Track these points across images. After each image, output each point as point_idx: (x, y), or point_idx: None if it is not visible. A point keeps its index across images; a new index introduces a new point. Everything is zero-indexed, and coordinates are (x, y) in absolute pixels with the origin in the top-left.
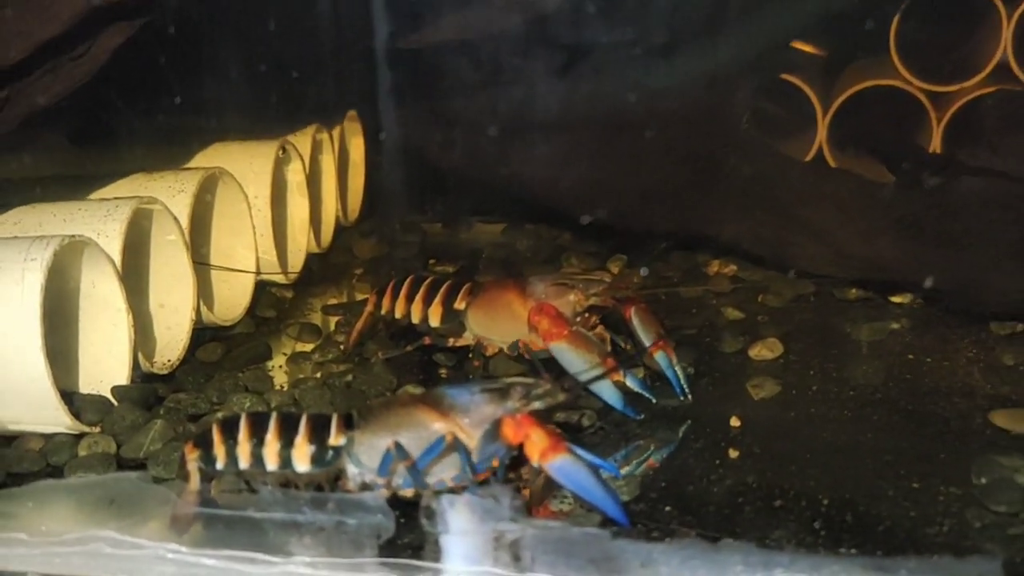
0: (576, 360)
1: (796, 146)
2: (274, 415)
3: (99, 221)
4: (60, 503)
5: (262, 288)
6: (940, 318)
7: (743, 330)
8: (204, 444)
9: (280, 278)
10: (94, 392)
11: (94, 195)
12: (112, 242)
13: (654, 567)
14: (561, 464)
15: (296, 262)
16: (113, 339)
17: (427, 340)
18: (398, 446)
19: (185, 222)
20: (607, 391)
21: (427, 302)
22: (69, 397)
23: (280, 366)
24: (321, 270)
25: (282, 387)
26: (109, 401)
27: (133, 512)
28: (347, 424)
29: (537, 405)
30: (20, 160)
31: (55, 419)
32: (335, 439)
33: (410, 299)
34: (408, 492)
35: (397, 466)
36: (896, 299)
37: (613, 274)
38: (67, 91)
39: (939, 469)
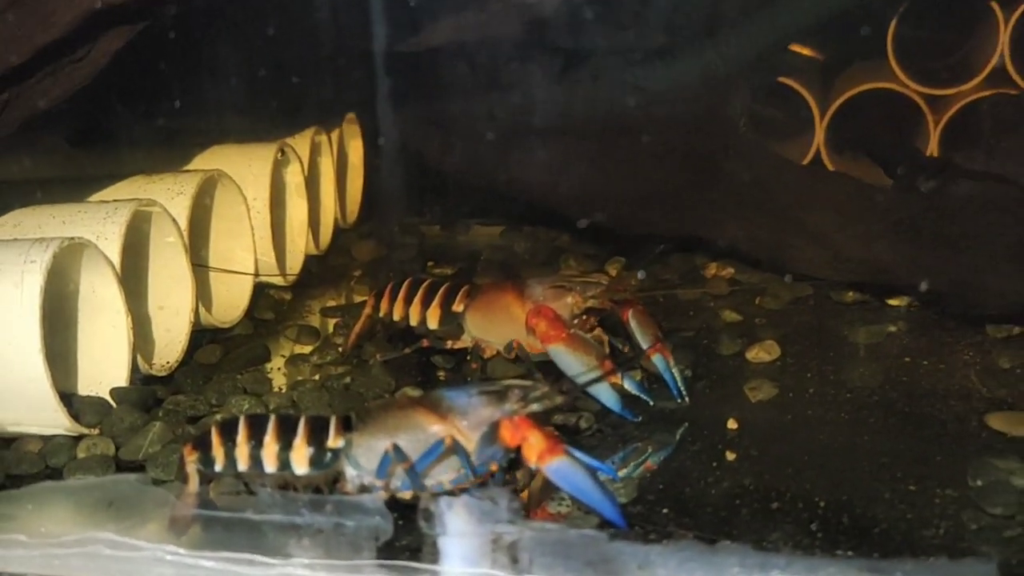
0: (574, 362)
1: (794, 149)
2: (273, 417)
3: (98, 223)
4: (59, 505)
5: (261, 290)
6: (937, 321)
7: (740, 332)
8: (203, 446)
9: (279, 280)
10: (93, 394)
11: (93, 197)
12: (111, 244)
13: (651, 569)
14: (559, 466)
15: (295, 264)
16: (112, 341)
17: (425, 342)
18: (396, 448)
19: (184, 224)
20: (605, 393)
21: (425, 304)
22: (68, 399)
23: (279, 368)
24: (319, 272)
25: (280, 389)
26: (108, 403)
27: (132, 514)
28: (345, 426)
29: (535, 407)
30: (20, 163)
31: (54, 421)
32: (333, 441)
33: (408, 301)
34: (406, 494)
35: (395, 468)
36: (893, 302)
37: (611, 276)
38: (67, 94)
39: (935, 471)
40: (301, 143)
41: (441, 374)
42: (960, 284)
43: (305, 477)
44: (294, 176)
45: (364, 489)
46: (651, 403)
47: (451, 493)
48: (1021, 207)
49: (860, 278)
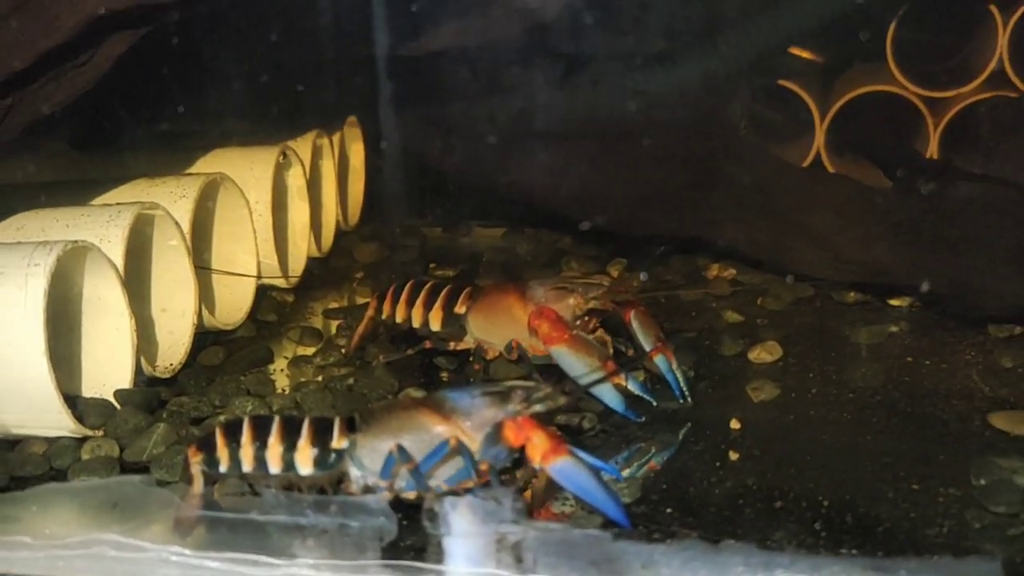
0: (576, 363)
1: (794, 151)
2: (277, 418)
3: (102, 226)
4: (63, 507)
5: (263, 292)
6: (938, 321)
7: (742, 333)
8: (207, 447)
9: (281, 282)
10: (97, 396)
11: (97, 201)
12: (114, 247)
13: (655, 568)
14: (562, 466)
15: (297, 266)
16: (116, 343)
17: (428, 344)
18: (400, 449)
19: (187, 227)
20: (608, 394)
21: (428, 306)
22: (72, 401)
23: (282, 369)
24: (322, 274)
25: (284, 390)
26: (112, 405)
27: (136, 515)
28: (349, 427)
29: (538, 408)
30: (23, 167)
31: (58, 423)
32: (338, 442)
33: (411, 303)
34: (411, 494)
35: (400, 469)
36: (894, 302)
37: (613, 278)
38: (70, 99)
39: (938, 471)
40: (303, 146)
41: (444, 375)
42: (959, 286)
43: (309, 478)
44: (296, 179)
45: (368, 490)
46: (654, 403)
47: (455, 493)
48: (1020, 209)
49: (861, 279)
